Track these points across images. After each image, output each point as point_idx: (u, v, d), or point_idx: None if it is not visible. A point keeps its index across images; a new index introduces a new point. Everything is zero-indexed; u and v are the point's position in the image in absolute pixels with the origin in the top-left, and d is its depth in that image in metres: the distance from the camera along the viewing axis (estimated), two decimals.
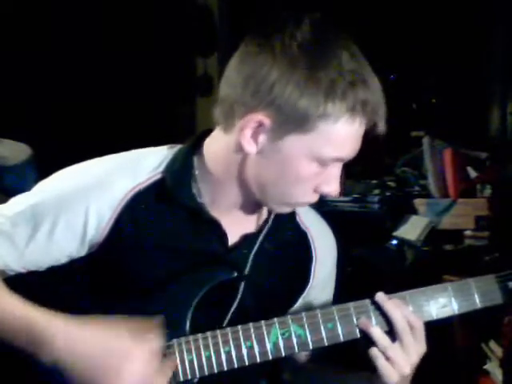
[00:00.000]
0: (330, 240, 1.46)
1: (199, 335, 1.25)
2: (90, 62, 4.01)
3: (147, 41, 4.22)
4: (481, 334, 2.45)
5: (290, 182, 1.23)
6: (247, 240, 1.34)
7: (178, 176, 1.29)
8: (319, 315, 1.27)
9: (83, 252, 1.28)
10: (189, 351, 1.24)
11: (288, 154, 1.19)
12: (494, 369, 2.46)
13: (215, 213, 1.30)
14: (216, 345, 1.24)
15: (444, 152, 3.14)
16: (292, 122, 1.17)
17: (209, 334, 1.25)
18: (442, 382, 2.45)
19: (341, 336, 1.27)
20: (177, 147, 1.35)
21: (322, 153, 1.19)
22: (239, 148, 1.22)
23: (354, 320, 1.27)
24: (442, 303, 1.29)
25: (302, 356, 1.46)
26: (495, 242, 2.87)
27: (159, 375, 1.16)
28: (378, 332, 1.25)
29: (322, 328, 1.26)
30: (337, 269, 1.48)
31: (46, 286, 1.29)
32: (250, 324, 1.26)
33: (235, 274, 1.29)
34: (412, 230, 3.01)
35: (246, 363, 1.25)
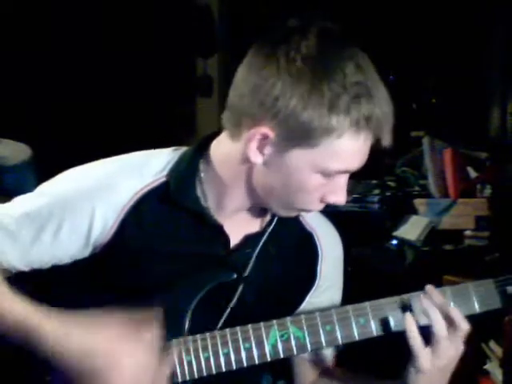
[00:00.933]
0: (335, 239, 1.46)
1: (198, 336, 1.25)
2: (91, 63, 4.01)
3: (147, 41, 4.22)
4: (481, 334, 2.45)
5: (296, 192, 1.23)
6: (250, 241, 1.34)
7: (183, 179, 1.29)
8: (318, 318, 1.27)
9: (87, 253, 1.29)
10: (187, 352, 1.24)
11: (293, 166, 1.20)
12: (493, 369, 2.46)
13: (219, 216, 1.30)
14: (215, 346, 1.24)
15: (444, 152, 3.14)
16: (296, 136, 1.17)
17: (208, 335, 1.25)
18: None
19: (339, 338, 1.27)
20: (182, 149, 1.35)
21: (327, 166, 1.19)
22: (246, 157, 1.22)
23: (353, 323, 1.27)
24: None
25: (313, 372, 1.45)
26: (495, 242, 2.87)
27: (157, 371, 1.16)
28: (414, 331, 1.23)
29: (321, 330, 1.26)
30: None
31: (48, 285, 1.30)
32: (249, 326, 1.26)
33: (234, 276, 1.29)
34: (412, 230, 3.01)
35: (245, 365, 1.25)
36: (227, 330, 1.26)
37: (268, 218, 1.36)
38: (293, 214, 1.32)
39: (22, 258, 1.28)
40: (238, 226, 1.33)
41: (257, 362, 1.25)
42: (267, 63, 1.18)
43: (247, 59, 1.23)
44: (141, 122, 4.12)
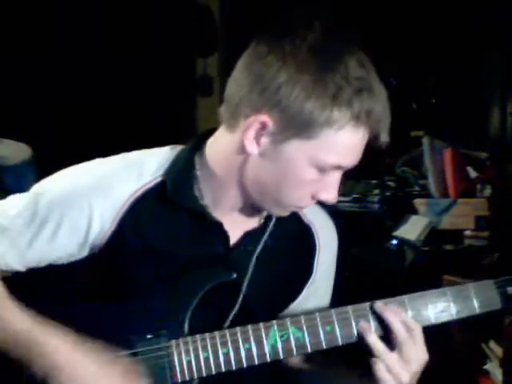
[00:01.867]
0: (331, 231, 1.46)
1: (197, 336, 1.25)
2: (90, 62, 4.00)
3: (147, 41, 4.22)
4: (481, 334, 2.45)
5: (288, 185, 1.22)
6: (250, 239, 1.34)
7: (180, 178, 1.29)
8: (318, 318, 1.27)
9: (85, 253, 1.28)
10: (187, 352, 1.24)
11: (289, 158, 1.19)
12: (493, 369, 2.46)
13: (217, 213, 1.30)
14: (214, 346, 1.24)
15: (444, 152, 3.14)
16: (296, 125, 1.17)
17: (207, 335, 1.25)
18: (442, 381, 2.45)
19: (339, 339, 1.27)
20: (178, 148, 1.34)
21: (323, 160, 1.19)
22: (241, 148, 1.22)
23: (353, 323, 1.27)
24: (440, 308, 1.29)
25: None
26: (495, 242, 2.87)
27: None
28: (374, 339, 1.25)
29: (321, 331, 1.26)
30: (336, 263, 1.47)
31: (46, 286, 1.30)
32: (249, 326, 1.26)
33: (234, 276, 1.29)
34: (412, 230, 3.01)
35: (245, 365, 1.25)
36: (227, 330, 1.26)
37: (266, 213, 1.36)
38: (285, 212, 1.32)
39: (19, 258, 1.27)
40: (237, 224, 1.33)
41: (256, 362, 1.25)
42: (271, 52, 1.17)
43: (248, 51, 1.23)
44: (141, 121, 4.12)
